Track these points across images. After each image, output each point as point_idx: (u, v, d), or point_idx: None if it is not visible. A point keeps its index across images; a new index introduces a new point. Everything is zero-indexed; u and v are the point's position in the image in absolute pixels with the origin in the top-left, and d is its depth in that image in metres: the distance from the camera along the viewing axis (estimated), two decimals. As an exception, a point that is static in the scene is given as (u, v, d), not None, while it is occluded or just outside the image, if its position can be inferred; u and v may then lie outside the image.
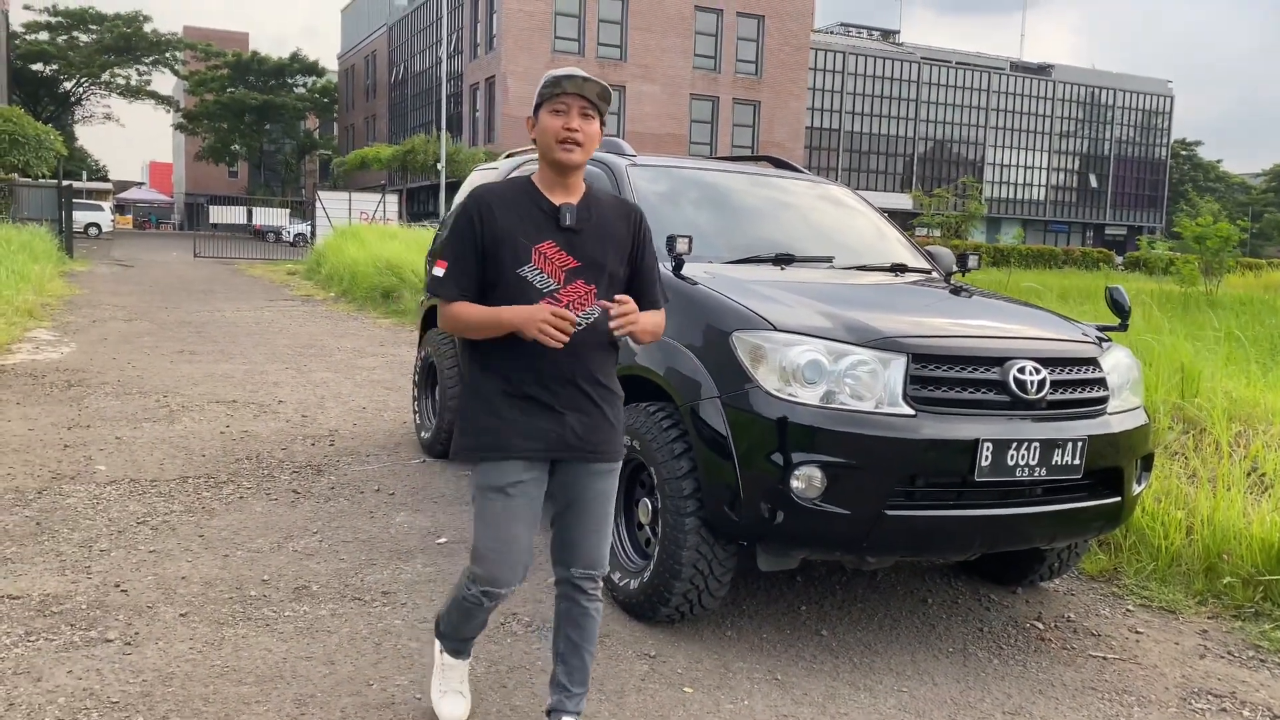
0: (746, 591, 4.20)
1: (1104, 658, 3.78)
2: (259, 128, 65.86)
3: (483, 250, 2.60)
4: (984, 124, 70.58)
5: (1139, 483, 3.88)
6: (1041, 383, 3.45)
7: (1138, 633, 4.06)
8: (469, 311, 2.59)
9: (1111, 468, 3.66)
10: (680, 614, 3.69)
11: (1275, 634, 4.03)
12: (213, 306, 15.89)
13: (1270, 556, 4.34)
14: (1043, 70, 74.78)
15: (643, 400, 3.87)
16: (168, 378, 8.84)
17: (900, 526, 3.33)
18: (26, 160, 31.44)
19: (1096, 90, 75.17)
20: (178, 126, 69.69)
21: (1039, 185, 72.77)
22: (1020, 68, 74.24)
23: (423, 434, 6.38)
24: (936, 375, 3.39)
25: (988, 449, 3.32)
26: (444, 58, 38.74)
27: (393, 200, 32.22)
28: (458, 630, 2.98)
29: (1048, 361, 3.54)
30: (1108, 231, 74.34)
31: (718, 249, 4.48)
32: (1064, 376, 3.57)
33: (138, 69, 60.90)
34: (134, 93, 62.94)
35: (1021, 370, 3.44)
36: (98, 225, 47.46)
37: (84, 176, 64.74)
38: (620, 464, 2.76)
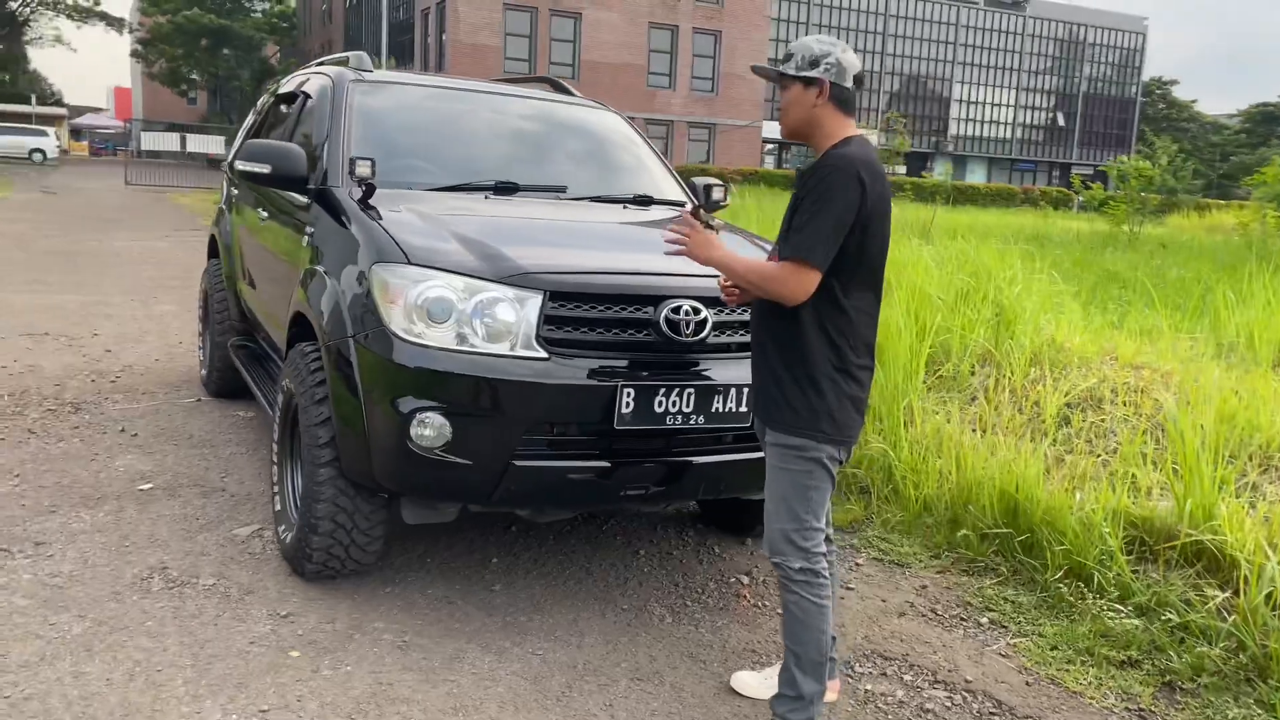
0: (447, 541, 3.95)
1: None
2: (216, 53, 63.92)
3: None
4: (953, 59, 69.56)
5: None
6: (701, 323, 3.16)
7: (849, 589, 3.84)
8: None
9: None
10: (332, 570, 3.43)
11: (990, 591, 3.82)
12: (107, 236, 15.38)
13: (1006, 508, 4.12)
14: (1017, 5, 73.59)
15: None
16: (-6, 309, 8.45)
17: (530, 477, 3.06)
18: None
19: (1071, 26, 74.11)
20: (133, 53, 67.59)
21: (1006, 123, 72.03)
22: (995, 2, 73.02)
23: (202, 371, 6.06)
24: (576, 315, 3.09)
25: (629, 395, 3.04)
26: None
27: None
28: None
29: (715, 301, 3.21)
30: (1075, 171, 73.76)
31: (434, 175, 4.14)
32: (733, 318, 3.27)
33: (85, -12, 58.88)
34: (82, 14, 60.97)
35: (676, 310, 3.14)
36: (42, 151, 46.14)
37: (33, 100, 62.82)
38: (786, 439, 2.64)
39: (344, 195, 3.73)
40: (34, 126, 49.43)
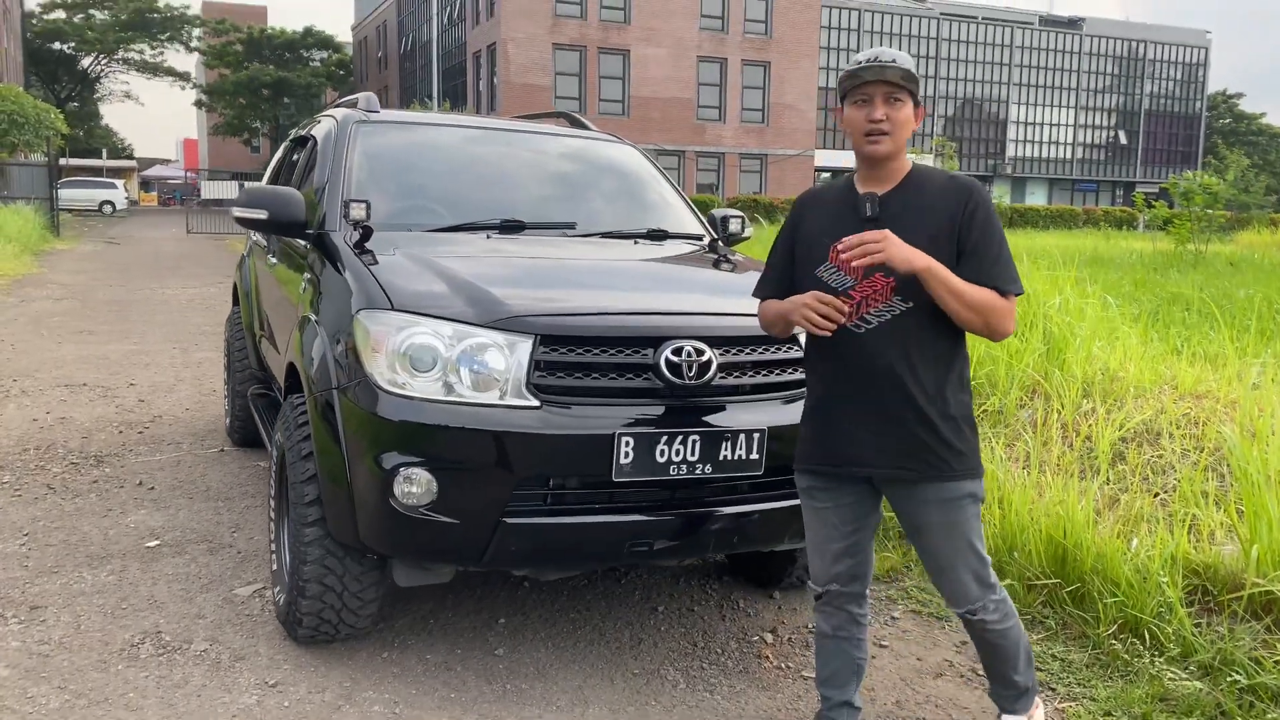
0: (453, 600, 3.75)
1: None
2: (276, 103, 65.59)
3: (793, 254, 2.58)
4: (1009, 80, 68.62)
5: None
6: (704, 366, 2.94)
7: (882, 646, 3.56)
8: (764, 309, 2.64)
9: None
10: (324, 635, 3.25)
11: (1036, 648, 3.49)
12: (161, 284, 15.64)
13: (1055, 554, 3.81)
14: (1074, 24, 72.46)
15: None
16: (38, 359, 8.52)
17: (525, 535, 2.86)
18: (27, 139, 31.34)
19: (1130, 43, 72.76)
20: (196, 103, 69.68)
21: (1066, 144, 70.70)
22: (1050, 22, 71.99)
23: (226, 420, 5.98)
24: (569, 360, 2.90)
25: (628, 444, 2.83)
26: (439, 27, 37.98)
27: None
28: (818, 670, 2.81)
29: (722, 341, 3.02)
30: (1138, 189, 72.07)
31: (438, 215, 4.00)
32: (742, 358, 3.05)
33: (152, 44, 60.89)
34: (151, 69, 63.07)
35: (677, 352, 2.92)
36: (111, 203, 47.55)
37: (103, 154, 65.02)
38: (961, 486, 2.47)
39: (340, 239, 3.59)
40: (104, 179, 50.98)
